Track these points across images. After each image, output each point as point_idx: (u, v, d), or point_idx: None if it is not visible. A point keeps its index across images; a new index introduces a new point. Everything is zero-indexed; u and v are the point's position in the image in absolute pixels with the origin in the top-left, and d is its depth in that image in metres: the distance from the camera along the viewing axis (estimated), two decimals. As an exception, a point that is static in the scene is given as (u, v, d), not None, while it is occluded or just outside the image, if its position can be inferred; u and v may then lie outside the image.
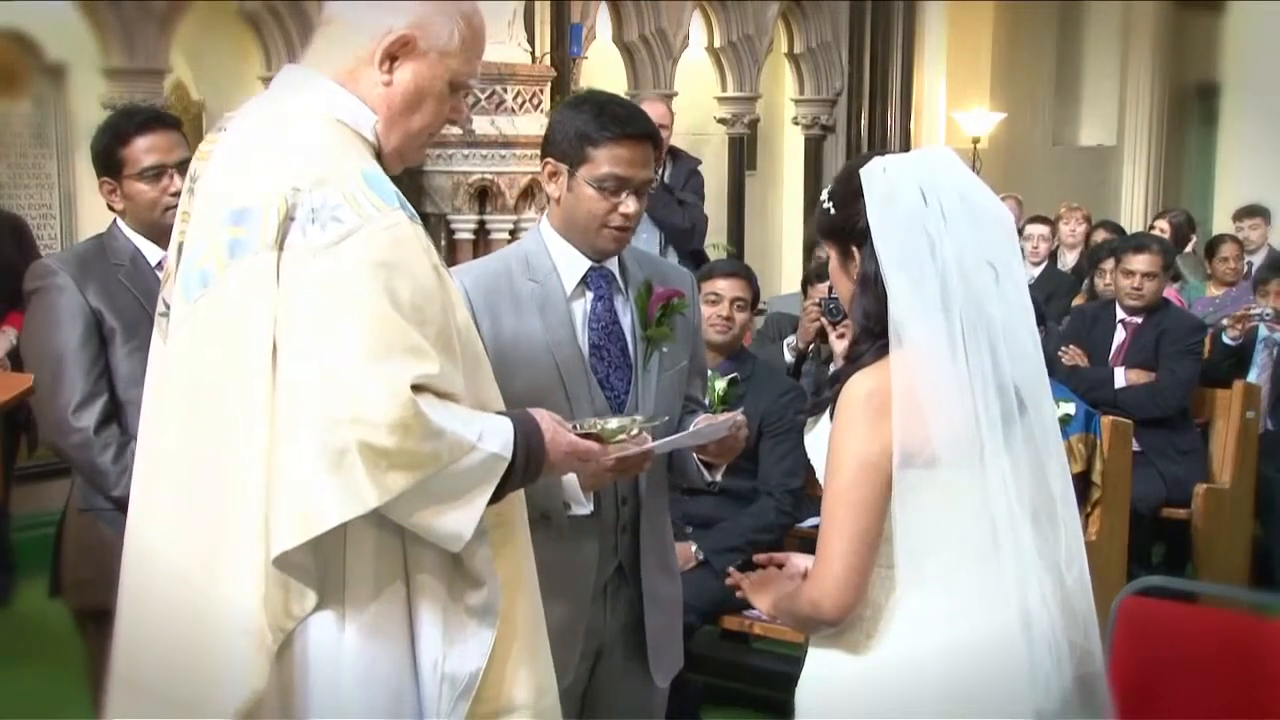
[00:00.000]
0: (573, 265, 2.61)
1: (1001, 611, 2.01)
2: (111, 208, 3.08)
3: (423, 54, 2.03)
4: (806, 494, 4.21)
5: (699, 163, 6.10)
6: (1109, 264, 6.37)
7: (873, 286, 2.03)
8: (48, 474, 5.00)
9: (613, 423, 2.27)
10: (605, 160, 2.51)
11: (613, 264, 2.65)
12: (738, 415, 2.55)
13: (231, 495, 1.90)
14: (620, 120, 2.52)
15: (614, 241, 2.58)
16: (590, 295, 2.62)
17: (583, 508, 2.51)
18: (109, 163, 3.03)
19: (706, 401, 2.91)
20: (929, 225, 1.99)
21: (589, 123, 2.52)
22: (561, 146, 2.56)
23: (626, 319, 2.65)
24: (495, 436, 1.98)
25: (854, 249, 2.08)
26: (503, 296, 2.57)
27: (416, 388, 1.88)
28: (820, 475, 2.11)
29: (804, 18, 10.23)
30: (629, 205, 2.53)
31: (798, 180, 10.62)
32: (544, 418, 2.10)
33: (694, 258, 5.65)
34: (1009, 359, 2.02)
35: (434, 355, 1.90)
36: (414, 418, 1.86)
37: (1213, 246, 7.50)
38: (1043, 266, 7.61)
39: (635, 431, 2.28)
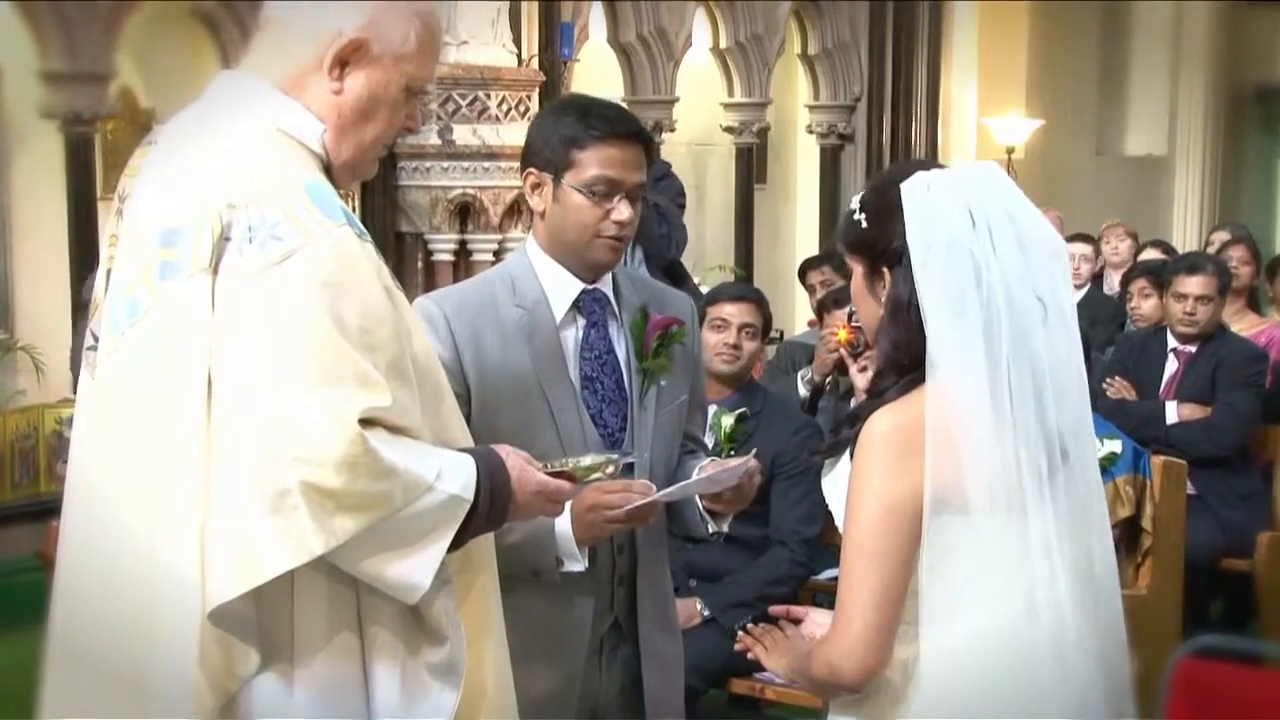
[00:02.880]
0: (563, 289, 2.63)
1: (1041, 679, 2.01)
2: None
3: (376, 58, 2.03)
4: (823, 542, 4.20)
5: (670, 165, 6.12)
6: (1139, 285, 6.38)
7: (905, 314, 2.04)
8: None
9: (586, 460, 2.26)
10: (593, 162, 2.53)
11: (606, 285, 2.67)
12: (750, 461, 2.55)
13: (164, 542, 1.89)
14: (608, 119, 2.55)
15: (609, 252, 2.60)
16: (582, 322, 2.64)
17: (577, 564, 2.52)
18: None
19: (711, 440, 2.93)
20: (976, 251, 2.00)
21: (573, 125, 2.55)
22: (544, 154, 2.58)
23: (621, 348, 2.66)
24: (455, 475, 1.99)
25: (885, 269, 2.09)
26: (487, 325, 2.58)
27: (366, 421, 1.88)
28: (839, 522, 2.10)
29: (819, 16, 10.29)
30: (622, 211, 2.55)
31: (812, 195, 10.67)
32: (510, 454, 2.10)
33: (669, 272, 5.62)
34: (1054, 403, 2.02)
35: (385, 385, 1.91)
36: (363, 454, 1.86)
37: (1275, 267, 7.50)
38: (1085, 289, 7.62)
39: (611, 470, 2.29)
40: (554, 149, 2.56)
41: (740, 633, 2.36)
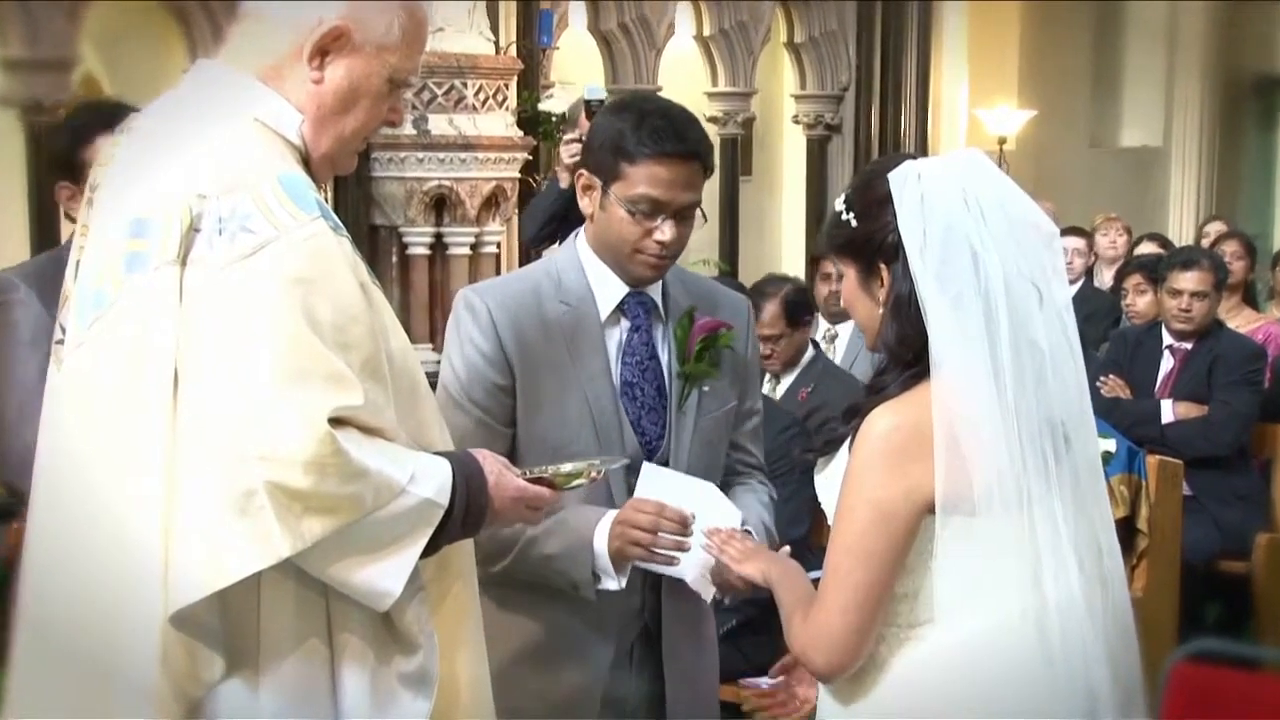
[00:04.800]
0: (609, 289, 2.64)
1: (1048, 678, 2.03)
2: (69, 215, 3.07)
3: (358, 48, 2.03)
4: (811, 544, 4.17)
5: None
6: (1134, 281, 6.40)
7: (907, 309, 2.05)
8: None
9: (566, 467, 2.28)
10: (640, 179, 2.51)
11: (655, 289, 2.68)
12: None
13: (127, 542, 1.89)
14: (659, 135, 2.51)
15: (650, 270, 2.60)
16: (626, 324, 2.65)
17: (612, 581, 2.53)
18: (67, 165, 3.04)
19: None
20: (972, 236, 2.01)
21: (626, 134, 2.52)
22: (597, 157, 2.58)
23: (665, 354, 2.67)
24: (429, 479, 1.98)
25: (881, 266, 2.09)
26: (530, 319, 2.59)
27: (336, 421, 1.88)
28: (831, 519, 2.13)
29: (805, 3, 10.29)
30: (665, 232, 2.53)
31: (799, 187, 10.69)
32: (487, 459, 2.11)
33: None
34: (1055, 391, 2.04)
35: (357, 384, 1.91)
36: (332, 455, 1.86)
37: (1276, 261, 7.53)
38: (1079, 285, 7.64)
39: (595, 476, 2.30)
40: (604, 155, 2.55)
41: (704, 543, 2.41)
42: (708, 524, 2.47)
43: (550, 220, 5.19)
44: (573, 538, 2.51)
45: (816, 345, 5.08)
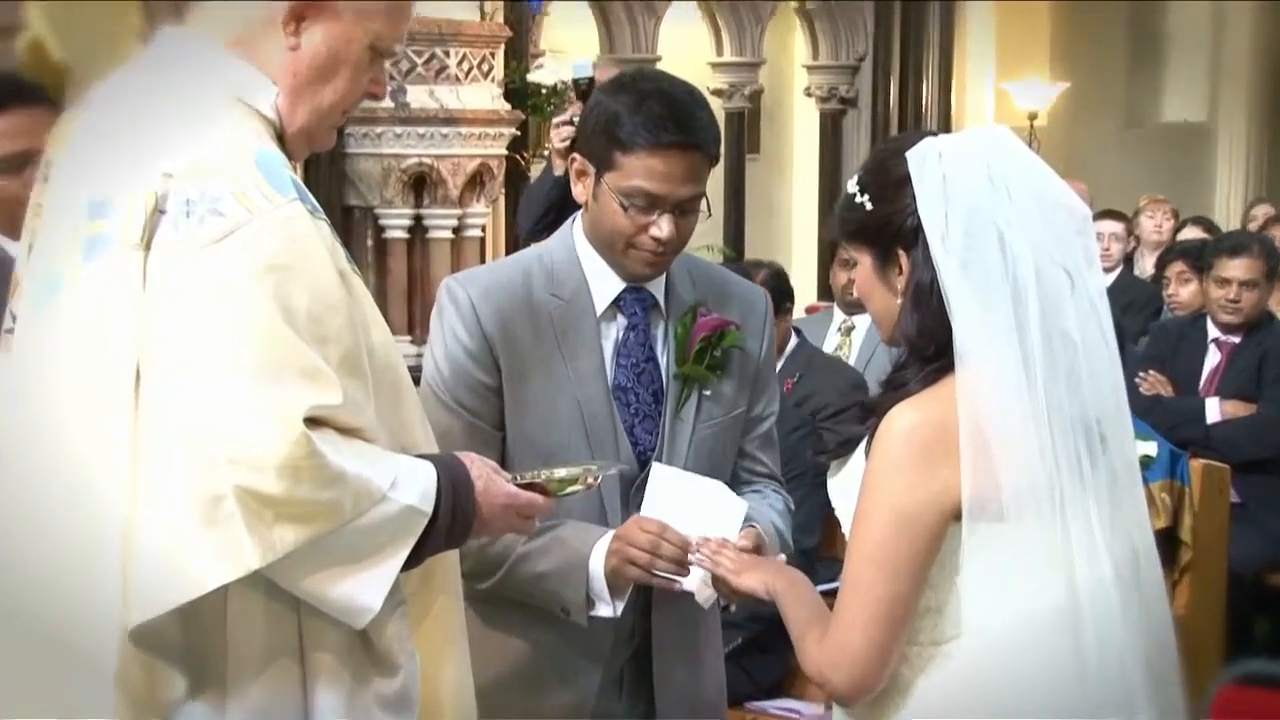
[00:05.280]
0: (605, 283, 2.62)
1: (1089, 695, 2.03)
2: None
3: (337, 13, 2.02)
4: (824, 555, 4.21)
5: None
6: (1177, 269, 6.40)
7: (928, 299, 2.05)
8: None
9: (561, 472, 2.27)
10: (635, 171, 2.48)
11: (657, 284, 2.65)
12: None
13: (82, 551, 1.88)
14: (657, 123, 2.47)
15: (645, 266, 2.57)
16: (621, 323, 2.63)
17: (606, 608, 2.53)
18: None
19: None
20: (998, 219, 2.01)
21: (621, 119, 2.49)
22: (590, 142, 2.55)
23: (664, 356, 2.66)
24: (413, 484, 1.98)
25: (899, 253, 2.09)
26: (518, 313, 2.58)
27: (312, 421, 1.87)
28: (847, 529, 2.13)
29: (819, -35, 10.35)
30: (662, 228, 2.50)
31: (811, 165, 10.71)
32: (474, 462, 2.11)
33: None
34: (1089, 386, 2.05)
35: (335, 381, 1.90)
36: (308, 458, 1.85)
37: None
38: (1117, 273, 7.65)
39: (592, 481, 2.30)
40: (598, 141, 2.52)
41: (696, 556, 2.40)
42: (706, 530, 2.46)
43: (548, 210, 5.13)
44: (567, 556, 2.50)
45: (799, 332, 5.08)
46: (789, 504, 2.81)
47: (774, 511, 2.72)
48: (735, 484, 2.70)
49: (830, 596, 2.14)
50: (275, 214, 1.91)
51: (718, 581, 2.44)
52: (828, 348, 5.72)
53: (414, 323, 7.04)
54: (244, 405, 1.84)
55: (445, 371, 2.56)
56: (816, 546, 4.19)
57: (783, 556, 2.58)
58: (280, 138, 2.05)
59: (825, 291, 8.46)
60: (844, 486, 2.17)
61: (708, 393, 2.65)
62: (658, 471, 2.57)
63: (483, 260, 7.32)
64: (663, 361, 2.64)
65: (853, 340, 5.81)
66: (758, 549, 2.48)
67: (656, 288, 2.64)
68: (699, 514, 2.51)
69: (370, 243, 7.12)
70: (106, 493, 1.88)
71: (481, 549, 2.46)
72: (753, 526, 2.55)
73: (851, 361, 5.58)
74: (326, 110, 2.08)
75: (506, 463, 2.46)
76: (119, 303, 1.90)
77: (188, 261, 1.88)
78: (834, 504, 2.22)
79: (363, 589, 1.94)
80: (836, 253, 6.10)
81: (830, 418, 4.45)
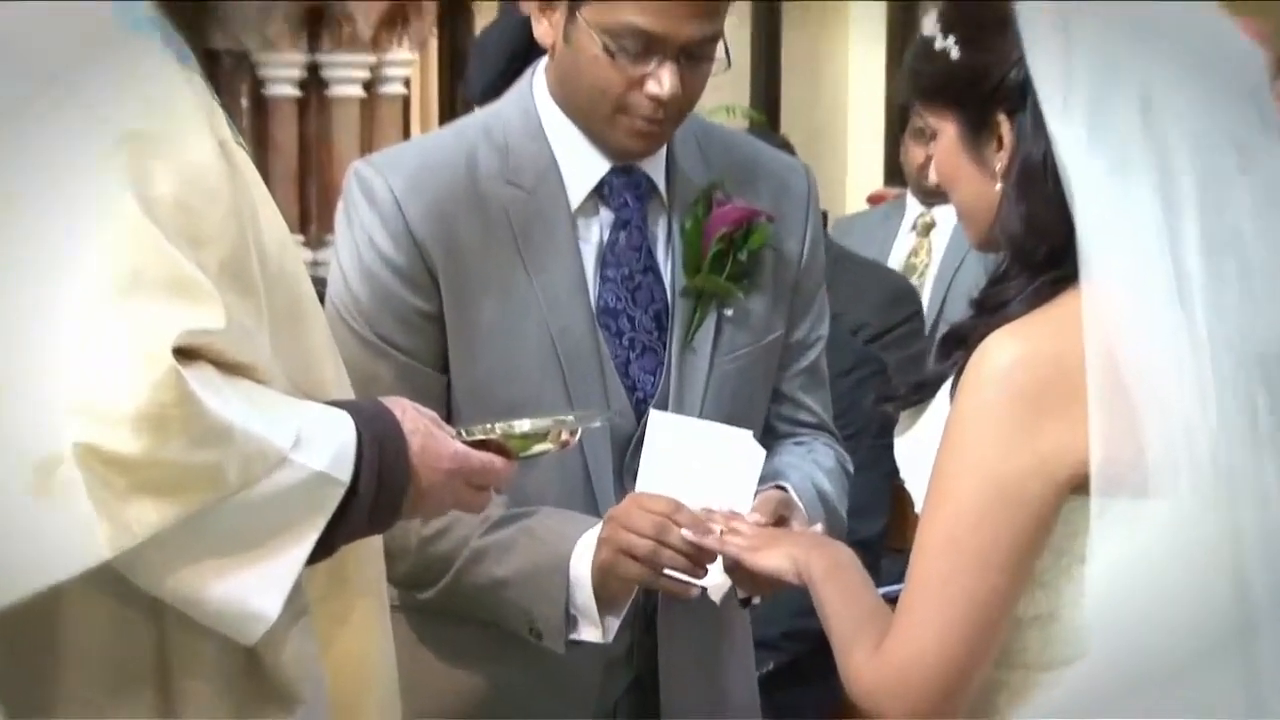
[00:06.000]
0: (582, 164, 2.62)
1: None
2: None
3: None
4: (888, 547, 4.21)
5: None
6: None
7: (1041, 183, 2.05)
8: None
9: (525, 425, 2.27)
10: (625, 6, 2.47)
11: (654, 162, 2.65)
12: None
13: None
14: None
15: (639, 137, 2.57)
16: (606, 218, 2.63)
17: (594, 630, 2.53)
18: None
19: None
20: (1142, 74, 2.01)
21: None
22: None
23: (668, 265, 2.66)
24: (323, 442, 1.97)
25: (999, 119, 2.10)
26: (462, 210, 2.57)
27: (184, 353, 1.84)
28: (919, 503, 2.13)
29: None
30: (663, 82, 2.49)
31: (873, 7, 10.58)
32: (407, 412, 2.10)
33: None
34: (1270, 305, 2.03)
35: (216, 297, 1.88)
36: (178, 405, 1.82)
37: None
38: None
39: (567, 437, 2.30)
40: None
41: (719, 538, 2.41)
42: (720, 498, 2.48)
43: (511, 61, 5.09)
44: (540, 555, 2.49)
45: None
46: (844, 462, 2.84)
47: (820, 470, 2.74)
48: (769, 439, 2.71)
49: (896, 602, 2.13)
50: (128, 61, 1.91)
51: (732, 569, 2.45)
52: (898, 253, 5.80)
53: (307, 218, 7.02)
54: (88, 331, 1.82)
55: (361, 294, 2.55)
56: (880, 534, 4.18)
57: (819, 528, 2.57)
58: None
59: (894, 174, 8.37)
60: (917, 447, 2.18)
61: (729, 313, 2.65)
62: (659, 421, 2.56)
63: (407, 132, 7.34)
64: (666, 272, 2.65)
65: (932, 242, 5.84)
66: (781, 520, 2.48)
67: (655, 168, 2.64)
68: (716, 477, 2.51)
69: (246, 102, 7.07)
70: None
71: (423, 544, 2.47)
72: (780, 487, 2.57)
73: (932, 272, 5.64)
74: None
75: (453, 418, 2.44)
76: None
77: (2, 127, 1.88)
78: (902, 471, 2.23)
79: (254, 590, 1.92)
80: (909, 121, 6.08)
81: (868, 344, 4.52)
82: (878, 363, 4.39)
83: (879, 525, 4.20)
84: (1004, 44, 2.07)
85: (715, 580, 2.50)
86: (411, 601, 2.52)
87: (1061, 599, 2.06)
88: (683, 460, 2.53)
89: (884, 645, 2.07)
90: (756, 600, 2.60)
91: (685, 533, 2.40)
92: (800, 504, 2.56)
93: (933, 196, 5.71)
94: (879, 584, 3.94)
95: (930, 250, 5.82)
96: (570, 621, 2.51)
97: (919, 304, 5.21)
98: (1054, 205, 2.03)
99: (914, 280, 5.70)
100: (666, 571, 2.44)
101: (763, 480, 2.58)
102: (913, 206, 5.90)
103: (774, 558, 2.35)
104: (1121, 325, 2.00)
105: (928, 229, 5.89)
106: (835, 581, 2.25)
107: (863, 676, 2.10)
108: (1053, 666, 2.08)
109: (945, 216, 5.74)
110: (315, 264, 2.43)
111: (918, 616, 2.05)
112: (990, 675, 2.07)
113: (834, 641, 2.17)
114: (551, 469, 2.50)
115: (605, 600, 2.49)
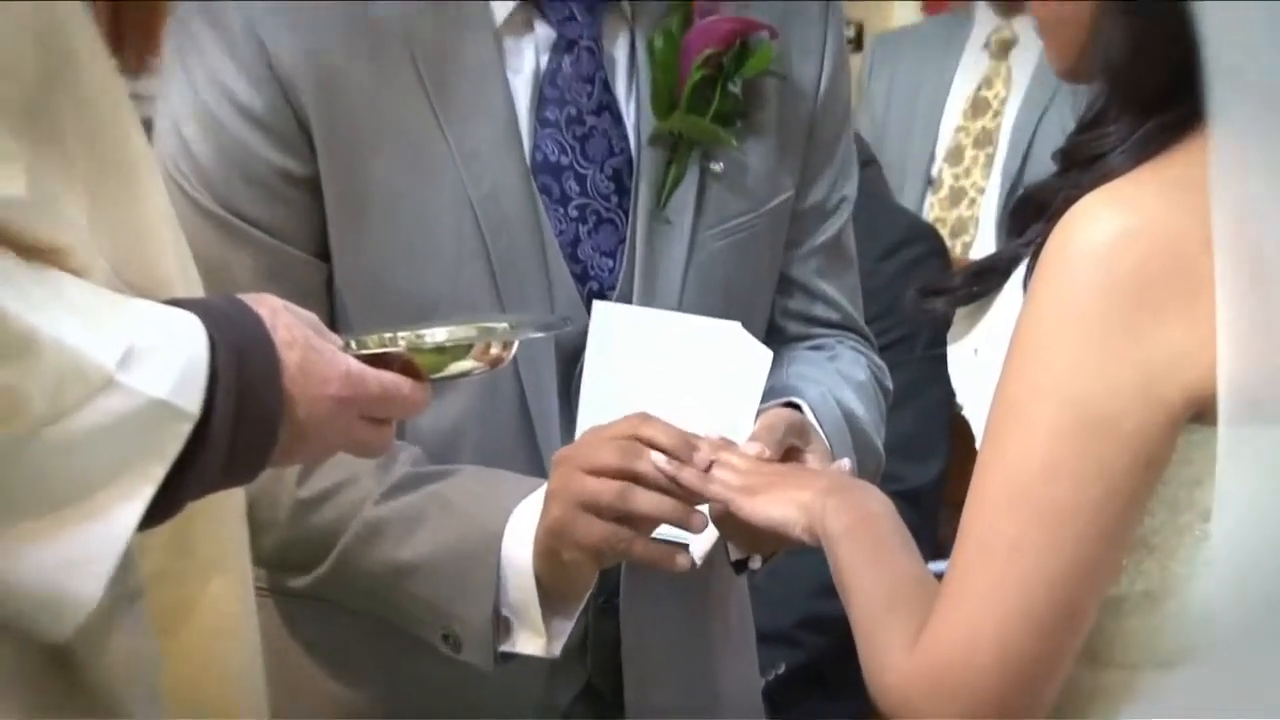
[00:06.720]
0: None
1: None
2: None
3: None
4: (945, 498, 3.97)
5: None
6: None
7: None
8: None
9: (439, 333, 2.02)
10: None
11: None
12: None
13: None
14: None
15: None
16: (544, 37, 2.38)
17: (534, 638, 2.25)
18: None
19: None
20: None
21: None
22: None
23: (630, 102, 2.44)
24: (164, 359, 1.76)
25: None
26: (341, 34, 2.32)
27: None
28: (979, 434, 1.88)
29: None
30: None
31: None
32: (280, 315, 1.86)
33: None
34: None
35: (14, 154, 1.70)
36: None
37: None
38: None
39: (496, 350, 2.04)
40: None
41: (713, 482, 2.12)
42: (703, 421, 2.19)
43: None
44: (458, 532, 2.22)
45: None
46: (882, 376, 2.62)
47: (846, 384, 2.50)
48: (776, 343, 2.43)
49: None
50: None
51: (721, 519, 2.18)
52: (963, 84, 5.56)
53: (123, 46, 6.93)
54: None
55: (203, 155, 2.28)
56: (935, 482, 3.92)
57: (846, 464, 2.28)
58: None
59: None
60: (978, 359, 2.02)
61: (717, 167, 2.41)
62: (608, 315, 2.31)
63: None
64: (628, 111, 2.40)
65: (1012, 68, 5.54)
66: (792, 452, 2.23)
67: None
68: (698, 392, 2.29)
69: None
70: None
71: (298, 511, 2.24)
72: (791, 404, 2.33)
73: (1010, 112, 5.42)
74: None
75: (338, 324, 2.24)
76: None
77: None
78: (959, 394, 2.06)
79: (66, 563, 1.73)
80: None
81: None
82: (933, 239, 4.18)
83: (933, 470, 3.94)
84: None
85: (701, 544, 2.23)
86: (285, 589, 2.30)
87: (1177, 569, 1.85)
88: (645, 370, 2.30)
89: (925, 634, 1.85)
90: (755, 564, 2.32)
91: (658, 458, 2.09)
92: (820, 429, 2.31)
93: (1010, 7, 5.49)
94: (932, 557, 3.58)
95: (1009, 79, 5.52)
96: (501, 627, 2.24)
97: (939, 241, 4.91)
98: (1169, 29, 1.81)
99: (986, 123, 5.49)
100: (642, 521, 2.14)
101: (767, 396, 2.32)
102: (985, 16, 5.57)
103: (778, 504, 2.11)
104: (1263, 193, 1.80)
105: (1005, 47, 5.59)
106: (861, 540, 2.03)
107: (894, 677, 1.87)
108: (1165, 663, 1.88)
109: (1027, 32, 5.42)
110: (133, 97, 2.17)
111: (971, 596, 1.82)
112: (1075, 676, 1.85)
113: (856, 627, 1.94)
114: (475, 396, 2.26)
115: (553, 593, 2.21)
